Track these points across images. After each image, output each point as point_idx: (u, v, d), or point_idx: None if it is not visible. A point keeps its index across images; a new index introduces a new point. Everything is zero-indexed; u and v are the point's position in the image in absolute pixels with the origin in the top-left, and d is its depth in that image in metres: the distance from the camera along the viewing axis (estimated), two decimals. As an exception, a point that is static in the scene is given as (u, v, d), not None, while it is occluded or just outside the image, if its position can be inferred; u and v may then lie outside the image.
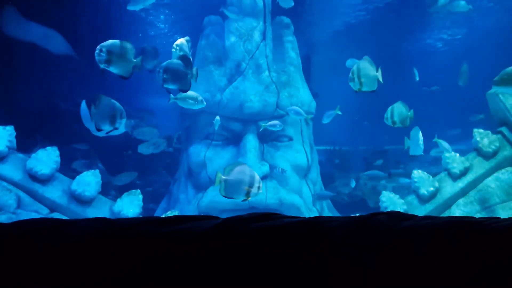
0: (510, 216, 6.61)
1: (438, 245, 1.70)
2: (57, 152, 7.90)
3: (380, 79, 5.69)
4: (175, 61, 5.60)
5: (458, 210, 8.07)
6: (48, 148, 7.87)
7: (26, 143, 8.30)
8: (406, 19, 14.04)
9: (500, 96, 8.52)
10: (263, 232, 1.80)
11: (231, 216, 1.90)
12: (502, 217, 1.86)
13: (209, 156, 8.60)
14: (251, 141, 8.38)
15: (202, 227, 1.84)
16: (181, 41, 6.40)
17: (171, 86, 5.61)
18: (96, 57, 5.09)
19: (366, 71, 5.66)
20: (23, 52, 9.54)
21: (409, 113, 6.25)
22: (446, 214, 8.11)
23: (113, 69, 5.18)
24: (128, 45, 5.25)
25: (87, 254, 1.78)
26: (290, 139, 8.84)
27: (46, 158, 7.73)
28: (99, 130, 5.56)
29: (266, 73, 8.79)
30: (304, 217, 1.94)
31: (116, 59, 5.12)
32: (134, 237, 1.82)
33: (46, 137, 9.60)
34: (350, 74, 5.68)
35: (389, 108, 6.27)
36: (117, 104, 5.53)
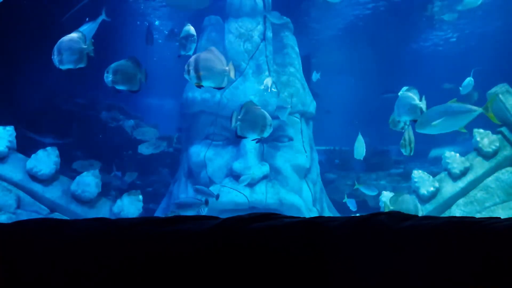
0: (510, 216, 6.62)
1: (438, 245, 1.70)
2: (57, 152, 7.90)
3: (232, 75, 5.17)
4: (123, 62, 5.48)
5: (458, 210, 8.07)
6: (48, 148, 7.86)
7: (26, 143, 8.30)
8: (406, 20, 14.05)
9: (500, 96, 8.52)
10: (263, 232, 1.80)
11: (231, 216, 1.90)
12: (502, 217, 1.86)
13: (209, 156, 8.60)
14: (251, 142, 8.38)
15: (202, 227, 1.84)
16: (189, 27, 6.36)
17: (121, 87, 5.55)
18: (53, 61, 5.13)
19: (208, 64, 5.11)
20: (23, 52, 9.54)
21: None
22: (446, 214, 8.11)
23: (70, 66, 5.18)
24: (76, 35, 5.20)
25: (87, 254, 1.78)
26: (290, 139, 8.84)
27: (46, 159, 7.73)
28: (240, 137, 5.61)
29: (266, 73, 8.79)
30: (304, 217, 1.94)
31: (67, 55, 5.11)
32: (134, 237, 1.82)
33: (46, 137, 9.60)
34: (186, 66, 5.14)
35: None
36: (267, 114, 5.58)
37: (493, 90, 8.64)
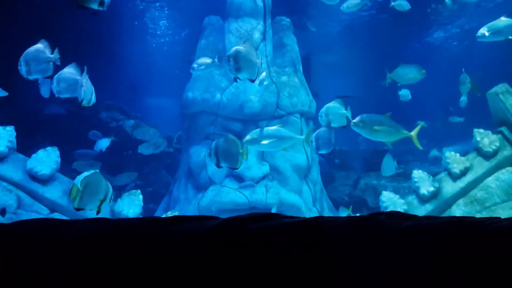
0: (510, 216, 6.60)
1: (438, 245, 1.70)
2: (57, 153, 7.89)
3: (84, 84, 5.47)
4: (66, 70, 5.55)
5: (458, 210, 8.06)
6: (49, 148, 7.86)
7: (26, 144, 8.29)
8: (407, 20, 14.04)
9: (500, 96, 8.52)
10: (263, 232, 1.80)
11: (231, 216, 1.90)
12: (502, 217, 1.86)
13: (209, 156, 8.60)
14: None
15: (202, 227, 1.84)
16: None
17: (65, 95, 5.59)
18: (20, 72, 5.22)
19: (63, 76, 5.41)
20: (22, 52, 9.55)
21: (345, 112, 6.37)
22: (446, 214, 8.10)
23: (37, 75, 5.23)
24: (42, 45, 5.25)
25: (87, 254, 1.78)
26: (290, 139, 8.83)
27: (47, 159, 7.73)
28: None
29: (266, 73, 8.79)
30: (304, 217, 1.94)
31: (34, 65, 5.16)
32: (134, 237, 1.82)
33: (46, 137, 9.60)
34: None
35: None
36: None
37: (493, 90, 8.63)
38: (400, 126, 5.81)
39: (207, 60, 7.73)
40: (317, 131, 6.27)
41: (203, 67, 7.70)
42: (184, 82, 9.31)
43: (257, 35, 8.84)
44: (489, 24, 7.21)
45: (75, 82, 5.54)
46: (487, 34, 6.97)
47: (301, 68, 9.56)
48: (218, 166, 5.73)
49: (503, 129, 8.59)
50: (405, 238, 1.75)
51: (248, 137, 6.09)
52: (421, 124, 5.94)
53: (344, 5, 8.75)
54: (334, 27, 14.92)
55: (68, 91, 5.56)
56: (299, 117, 9.03)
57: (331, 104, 6.38)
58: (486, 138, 8.48)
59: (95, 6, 4.97)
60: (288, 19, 9.80)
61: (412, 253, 1.71)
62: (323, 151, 6.24)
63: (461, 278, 1.63)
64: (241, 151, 5.69)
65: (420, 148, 6.23)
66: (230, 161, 5.70)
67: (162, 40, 15.01)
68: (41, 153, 7.78)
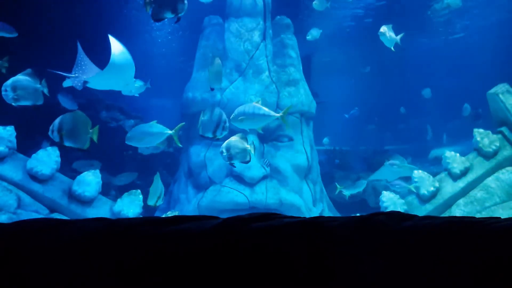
0: (510, 216, 6.61)
1: (438, 245, 1.70)
2: (58, 152, 7.89)
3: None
4: (21, 77, 5.38)
5: (458, 210, 8.06)
6: (49, 148, 7.86)
7: (26, 144, 8.28)
8: (407, 20, 14.06)
9: (500, 95, 8.52)
10: (263, 232, 1.80)
11: (231, 216, 1.90)
12: (502, 217, 1.87)
13: (209, 156, 8.60)
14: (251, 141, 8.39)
15: (202, 227, 1.84)
16: None
17: (24, 103, 5.44)
18: (5, 98, 5.21)
19: (22, 85, 5.34)
20: (21, 51, 9.54)
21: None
22: (446, 214, 8.10)
23: (26, 103, 5.21)
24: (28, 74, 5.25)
25: (87, 254, 1.78)
26: (291, 139, 8.84)
27: (47, 159, 7.72)
28: None
29: (266, 73, 8.79)
30: (304, 217, 1.94)
31: (22, 92, 5.15)
32: (134, 237, 1.82)
33: (46, 137, 9.59)
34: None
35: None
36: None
37: (493, 90, 8.64)
38: (268, 110, 6.53)
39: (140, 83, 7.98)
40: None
41: (138, 87, 7.90)
42: (184, 82, 9.31)
43: (257, 35, 8.84)
44: (388, 26, 7.35)
45: (35, 90, 5.42)
46: (387, 35, 7.16)
47: (301, 68, 9.56)
48: (62, 145, 5.19)
49: (503, 129, 8.59)
50: (405, 238, 1.75)
51: (128, 135, 6.12)
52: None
53: (316, 1, 9.04)
54: (335, 27, 14.92)
55: (27, 99, 5.43)
56: (299, 117, 9.04)
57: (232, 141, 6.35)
58: (486, 138, 8.48)
59: (169, 15, 5.04)
60: (288, 19, 9.80)
61: (412, 253, 1.71)
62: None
63: (461, 278, 1.63)
64: (90, 130, 5.22)
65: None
66: (76, 141, 5.20)
67: (162, 39, 15.02)
68: (41, 153, 7.77)
